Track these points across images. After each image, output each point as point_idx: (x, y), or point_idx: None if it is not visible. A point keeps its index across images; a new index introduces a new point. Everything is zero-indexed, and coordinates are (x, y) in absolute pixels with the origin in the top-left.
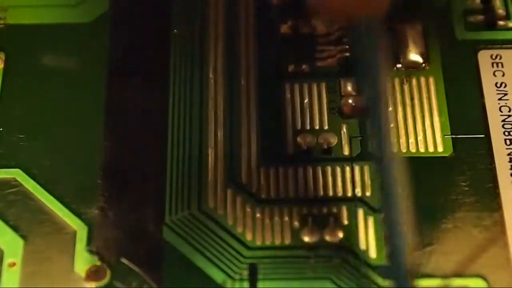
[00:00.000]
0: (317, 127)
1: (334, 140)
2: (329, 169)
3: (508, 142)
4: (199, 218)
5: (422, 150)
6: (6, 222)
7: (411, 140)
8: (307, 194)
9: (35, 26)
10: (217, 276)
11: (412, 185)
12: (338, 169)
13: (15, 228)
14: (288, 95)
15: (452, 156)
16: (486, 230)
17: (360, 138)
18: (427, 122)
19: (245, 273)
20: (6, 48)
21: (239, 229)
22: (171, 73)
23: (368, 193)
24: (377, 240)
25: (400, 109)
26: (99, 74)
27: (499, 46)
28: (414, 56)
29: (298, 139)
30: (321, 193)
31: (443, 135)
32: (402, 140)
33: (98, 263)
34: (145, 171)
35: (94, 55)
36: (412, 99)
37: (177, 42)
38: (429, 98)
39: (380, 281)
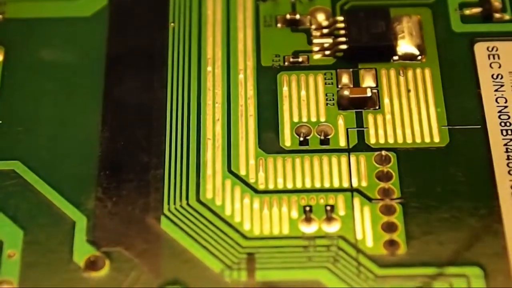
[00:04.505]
0: (314, 119)
1: (331, 132)
2: (326, 160)
3: (504, 132)
4: (197, 209)
5: (418, 140)
6: (6, 213)
7: (408, 131)
8: (304, 185)
9: (34, 20)
10: (215, 265)
11: (409, 176)
12: (335, 160)
13: (14, 219)
14: (285, 87)
15: (449, 146)
16: (482, 219)
17: (356, 129)
18: (424, 113)
19: (243, 262)
20: (6, 42)
21: (237, 219)
22: (169, 65)
23: (364, 184)
24: (374, 229)
25: (396, 100)
26: (98, 67)
27: (495, 38)
28: (411, 48)
29: (295, 130)
30: (319, 183)
31: (440, 126)
32: (399, 131)
33: (97, 253)
34: (143, 162)
35: (92, 48)
36: (409, 90)
37: (175, 35)
38: (425, 90)
39: (376, 269)
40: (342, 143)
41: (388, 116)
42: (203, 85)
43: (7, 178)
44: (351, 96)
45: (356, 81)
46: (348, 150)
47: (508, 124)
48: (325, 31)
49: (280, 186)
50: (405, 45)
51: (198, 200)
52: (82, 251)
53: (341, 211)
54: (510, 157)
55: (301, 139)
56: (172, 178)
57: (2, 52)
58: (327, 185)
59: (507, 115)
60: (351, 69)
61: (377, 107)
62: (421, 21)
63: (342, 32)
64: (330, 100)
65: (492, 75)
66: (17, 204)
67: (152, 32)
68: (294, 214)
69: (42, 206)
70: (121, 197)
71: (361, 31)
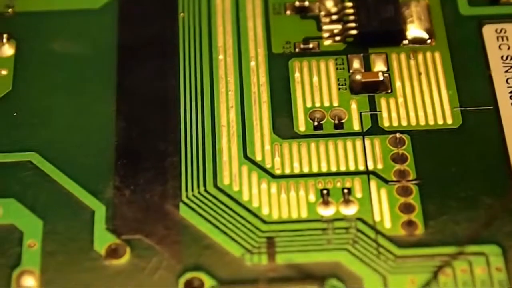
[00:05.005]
0: (327, 104)
1: (344, 116)
2: (341, 143)
3: None
4: (215, 195)
5: (431, 123)
6: (24, 204)
7: (421, 113)
8: (320, 169)
9: (44, 13)
10: (236, 250)
11: (424, 157)
12: (350, 144)
13: (33, 210)
14: (297, 73)
15: (462, 127)
16: (498, 198)
17: (370, 113)
18: (436, 96)
19: (263, 246)
20: (16, 35)
21: (255, 204)
22: (181, 54)
23: (380, 166)
24: (391, 211)
25: (408, 83)
26: (109, 58)
27: (503, 20)
28: (420, 32)
29: (309, 115)
30: (334, 167)
31: (452, 108)
32: (412, 113)
33: (117, 241)
34: (159, 150)
35: (103, 39)
36: (420, 73)
37: (185, 25)
38: (436, 73)
39: (396, 250)
40: (356, 127)
41: (401, 99)
42: (215, 73)
43: (25, 169)
44: (363, 80)
45: (367, 66)
46: (362, 134)
47: None
48: (334, 17)
49: (297, 170)
50: (414, 29)
51: (216, 186)
52: (103, 239)
53: (358, 193)
54: None
55: (315, 123)
56: (189, 165)
57: (14, 46)
58: (343, 168)
59: None
60: (361, 54)
61: (389, 91)
62: (429, 5)
63: (351, 17)
64: (342, 85)
65: (502, 57)
66: (35, 195)
67: (162, 23)
68: (312, 197)
69: (60, 196)
70: (139, 185)
71: (370, 16)
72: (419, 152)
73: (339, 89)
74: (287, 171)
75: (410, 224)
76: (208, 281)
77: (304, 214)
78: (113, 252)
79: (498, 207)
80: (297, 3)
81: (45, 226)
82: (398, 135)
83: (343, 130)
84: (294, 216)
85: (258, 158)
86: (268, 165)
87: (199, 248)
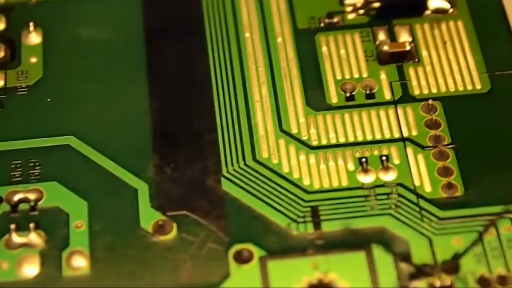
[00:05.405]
0: (356, 75)
1: (375, 86)
2: (374, 113)
3: None
4: (256, 168)
5: (461, 88)
6: (67, 186)
7: (450, 80)
8: (356, 138)
9: (67, 0)
10: (281, 220)
11: (457, 122)
12: (383, 113)
13: (76, 192)
14: (324, 47)
15: (491, 91)
16: None
17: (400, 82)
18: (462, 62)
19: (308, 215)
20: (42, 23)
21: (295, 176)
22: (207, 34)
23: (415, 133)
24: (430, 175)
25: (434, 52)
26: (137, 41)
27: None
28: (442, 3)
29: (340, 87)
30: (370, 136)
31: (480, 73)
32: (441, 80)
33: (164, 217)
34: (195, 128)
35: (129, 23)
36: (444, 42)
37: (208, 5)
38: (460, 40)
39: (439, 212)
40: (388, 96)
41: (428, 68)
42: (243, 51)
43: (63, 152)
44: (390, 51)
45: (392, 37)
46: (394, 102)
47: None
48: None
49: (333, 141)
50: (436, 0)
51: (255, 159)
52: (148, 217)
53: (396, 160)
54: None
55: (347, 95)
56: (227, 141)
57: (41, 33)
58: (378, 137)
59: None
60: (386, 26)
61: (417, 60)
62: None
63: None
64: (370, 56)
65: None
66: (76, 177)
67: (185, 4)
68: (351, 166)
69: (101, 177)
70: (179, 163)
71: None
72: (452, 118)
73: (367, 60)
74: (324, 142)
75: (450, 186)
76: (257, 251)
77: (344, 182)
78: (161, 228)
79: None
80: None
81: (90, 207)
82: (430, 102)
83: (375, 100)
84: (335, 185)
85: (294, 130)
86: (304, 137)
87: (245, 221)
